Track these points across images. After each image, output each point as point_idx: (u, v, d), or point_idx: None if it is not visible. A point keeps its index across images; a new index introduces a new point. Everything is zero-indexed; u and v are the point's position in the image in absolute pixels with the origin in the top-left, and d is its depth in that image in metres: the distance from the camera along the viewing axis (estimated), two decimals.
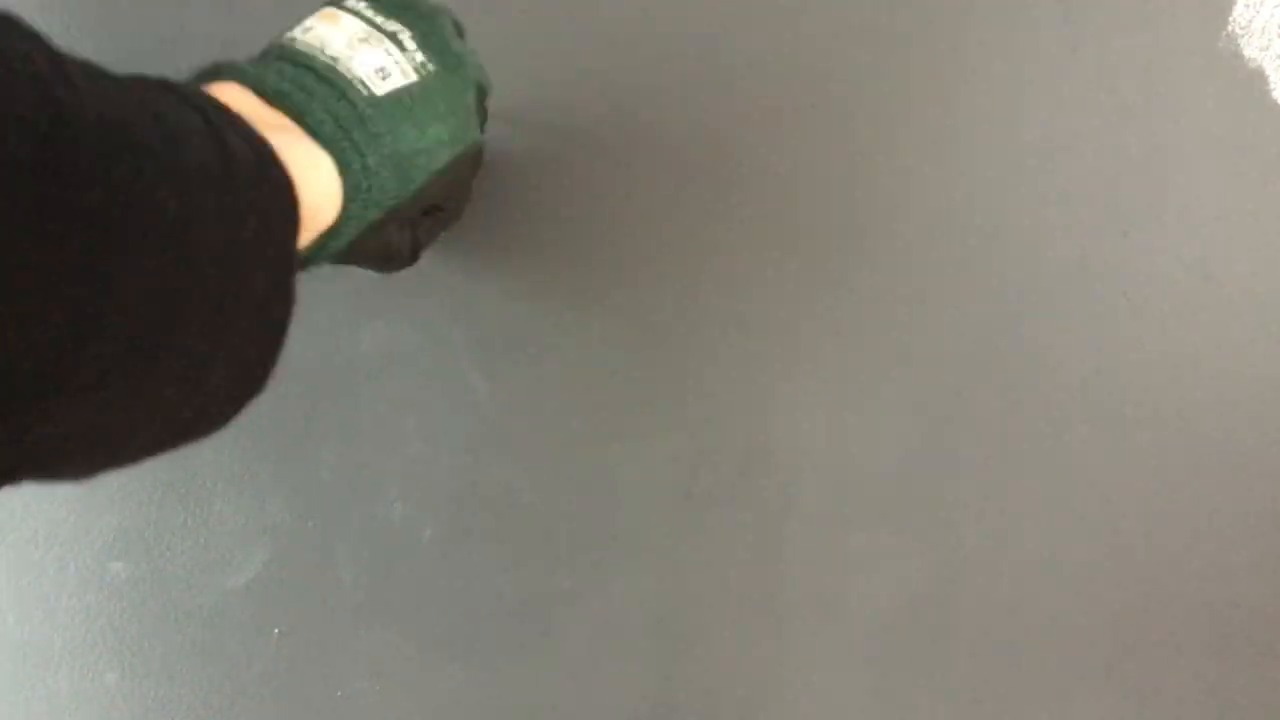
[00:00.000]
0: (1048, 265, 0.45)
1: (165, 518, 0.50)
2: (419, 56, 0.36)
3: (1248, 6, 0.44)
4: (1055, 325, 0.45)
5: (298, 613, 0.49)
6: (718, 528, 0.46)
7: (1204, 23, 0.44)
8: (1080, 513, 0.45)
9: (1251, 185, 0.44)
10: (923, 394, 0.45)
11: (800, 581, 0.46)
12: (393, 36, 0.36)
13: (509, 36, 0.47)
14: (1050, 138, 0.45)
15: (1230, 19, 0.44)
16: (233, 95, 0.31)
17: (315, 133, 0.31)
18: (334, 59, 0.34)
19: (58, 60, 0.21)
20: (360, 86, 0.33)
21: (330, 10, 0.36)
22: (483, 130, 0.41)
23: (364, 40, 0.35)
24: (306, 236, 0.31)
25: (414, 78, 0.36)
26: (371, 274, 0.44)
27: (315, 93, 0.32)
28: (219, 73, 0.32)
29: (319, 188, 0.31)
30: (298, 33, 0.35)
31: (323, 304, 0.48)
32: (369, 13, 0.36)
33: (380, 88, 0.34)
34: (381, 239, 0.39)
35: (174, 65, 0.30)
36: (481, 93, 0.40)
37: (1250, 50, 0.44)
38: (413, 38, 0.36)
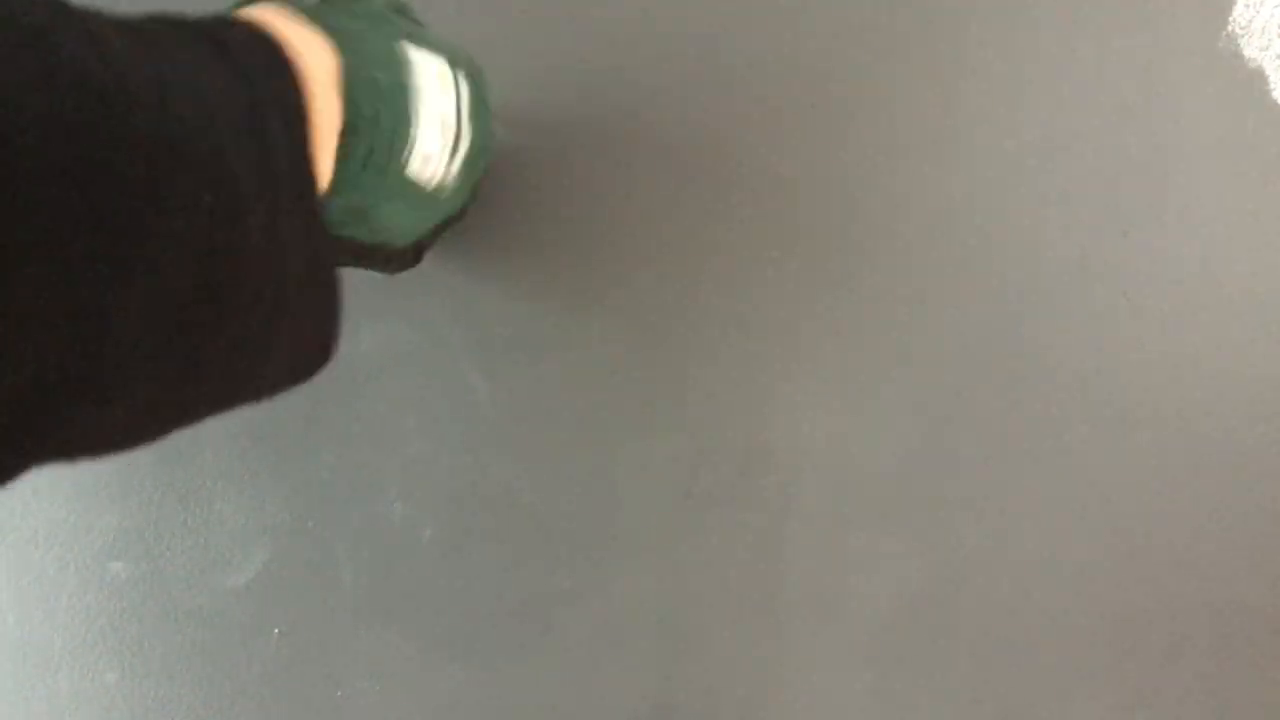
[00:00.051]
0: (1048, 265, 0.45)
1: (165, 518, 0.50)
2: (453, 174, 0.36)
3: (1248, 6, 0.44)
4: (1055, 325, 0.45)
5: (298, 613, 0.49)
6: (718, 528, 0.46)
7: (1204, 23, 0.44)
8: (1080, 513, 0.45)
9: (1251, 185, 0.44)
10: (923, 394, 0.45)
11: (800, 581, 0.46)
12: (458, 142, 0.35)
13: (509, 36, 0.47)
14: (1050, 138, 0.45)
15: (1230, 19, 0.44)
16: (315, 57, 0.29)
17: (345, 153, 0.30)
18: (417, 117, 0.33)
19: (92, 35, 0.20)
20: (408, 156, 0.33)
21: (446, 71, 0.34)
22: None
23: (443, 124, 0.34)
24: None
25: (431, 187, 0.35)
26: (372, 275, 0.44)
27: (381, 125, 0.31)
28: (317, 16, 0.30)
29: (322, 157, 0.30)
30: (419, 54, 0.33)
31: None
32: (465, 104, 0.35)
33: (413, 170, 0.33)
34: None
35: None
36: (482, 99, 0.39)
37: (1250, 50, 0.44)
38: (465, 155, 0.36)
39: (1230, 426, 0.44)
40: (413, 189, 0.34)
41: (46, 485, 0.51)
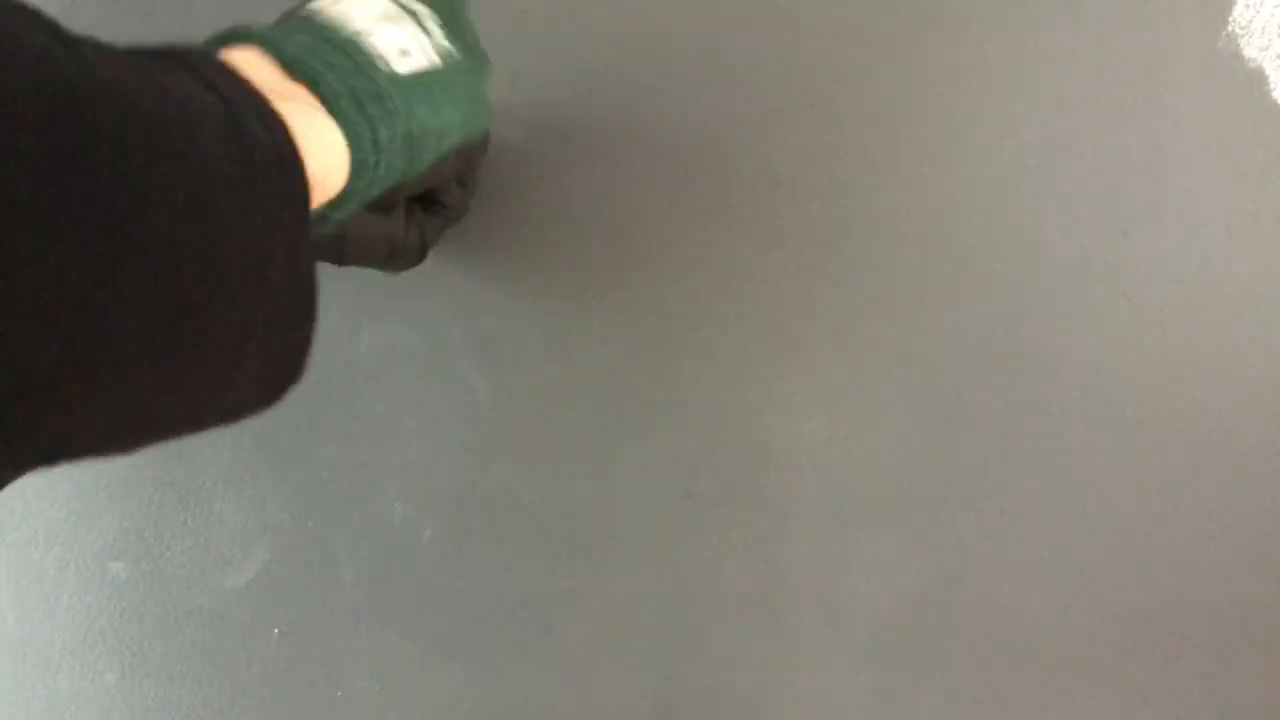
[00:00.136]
0: (1048, 265, 0.45)
1: (165, 518, 0.50)
2: (442, 41, 0.36)
3: (1248, 6, 0.44)
4: (1055, 325, 0.45)
5: (298, 613, 0.49)
6: (718, 528, 0.46)
7: (1204, 23, 0.44)
8: (1080, 513, 0.45)
9: (1251, 185, 0.44)
10: (923, 394, 0.45)
11: (800, 581, 0.46)
12: (416, 17, 0.35)
13: (509, 36, 0.47)
14: (1050, 138, 0.45)
15: (1230, 19, 0.44)
16: (250, 61, 0.30)
17: (330, 105, 0.31)
18: (356, 33, 0.33)
19: (73, 46, 0.20)
20: (380, 63, 0.33)
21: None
22: None
23: (388, 18, 0.35)
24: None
25: (436, 61, 0.35)
26: (372, 274, 0.44)
27: (334, 64, 0.32)
28: (236, 37, 0.31)
29: (327, 160, 0.30)
30: (322, 3, 0.34)
31: (323, 304, 0.48)
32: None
33: (401, 66, 0.34)
34: (388, 235, 0.39)
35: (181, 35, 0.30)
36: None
37: (1250, 50, 0.44)
38: (437, 21, 0.36)
39: (1230, 426, 0.44)
40: (420, 82, 0.34)
41: (46, 485, 0.51)
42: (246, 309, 0.25)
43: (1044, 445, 0.45)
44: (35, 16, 0.20)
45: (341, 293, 0.48)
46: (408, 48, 0.35)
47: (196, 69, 0.26)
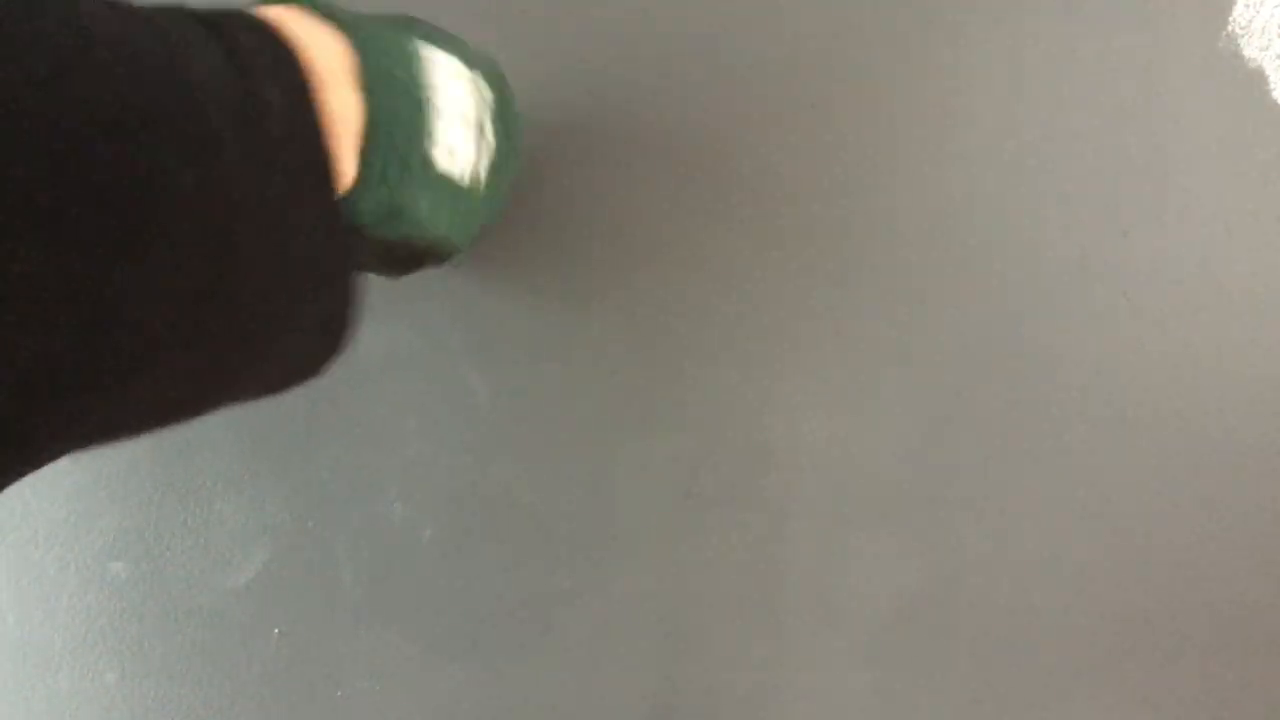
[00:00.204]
0: (1048, 265, 0.45)
1: (165, 518, 0.50)
2: (483, 172, 0.35)
3: (1248, 6, 0.44)
4: (1055, 325, 0.45)
5: (298, 613, 0.49)
6: (718, 528, 0.46)
7: (1204, 23, 0.44)
8: (1080, 513, 0.45)
9: (1251, 185, 0.44)
10: (923, 394, 0.45)
11: (800, 581, 0.46)
12: (483, 138, 0.35)
13: (509, 36, 0.47)
14: (1050, 138, 0.45)
15: (1230, 19, 0.44)
16: (324, 45, 0.28)
17: (366, 145, 0.30)
18: (435, 107, 0.32)
19: (75, 25, 0.20)
20: (428, 144, 0.32)
21: (465, 73, 0.34)
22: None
23: (464, 120, 0.34)
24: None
25: (467, 182, 0.35)
26: (372, 275, 0.44)
27: (400, 115, 0.31)
28: (336, 17, 0.30)
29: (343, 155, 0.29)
30: (428, 52, 0.33)
31: None
32: (487, 108, 0.35)
33: (441, 160, 0.33)
34: (385, 241, 0.39)
35: None
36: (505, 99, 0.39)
37: (1250, 50, 0.44)
38: (491, 158, 0.35)
39: (1230, 426, 0.44)
40: (444, 183, 0.34)
41: (46, 485, 0.51)
42: (268, 286, 0.24)
43: (1044, 445, 0.45)
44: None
45: None
46: (457, 152, 0.34)
47: (225, 31, 0.25)
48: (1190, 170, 0.44)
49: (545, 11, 0.48)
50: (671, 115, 0.47)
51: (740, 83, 0.46)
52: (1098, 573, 0.45)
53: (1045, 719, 0.45)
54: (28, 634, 0.51)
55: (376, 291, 0.48)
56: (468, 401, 0.48)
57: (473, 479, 0.48)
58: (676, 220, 0.47)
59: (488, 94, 0.36)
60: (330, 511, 0.49)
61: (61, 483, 0.51)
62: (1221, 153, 0.44)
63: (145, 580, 0.50)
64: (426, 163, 0.33)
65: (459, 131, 0.34)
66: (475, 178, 0.36)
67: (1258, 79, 0.44)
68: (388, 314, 0.48)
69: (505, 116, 0.37)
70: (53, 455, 0.21)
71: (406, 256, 0.38)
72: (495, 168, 0.37)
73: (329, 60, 0.28)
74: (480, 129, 0.35)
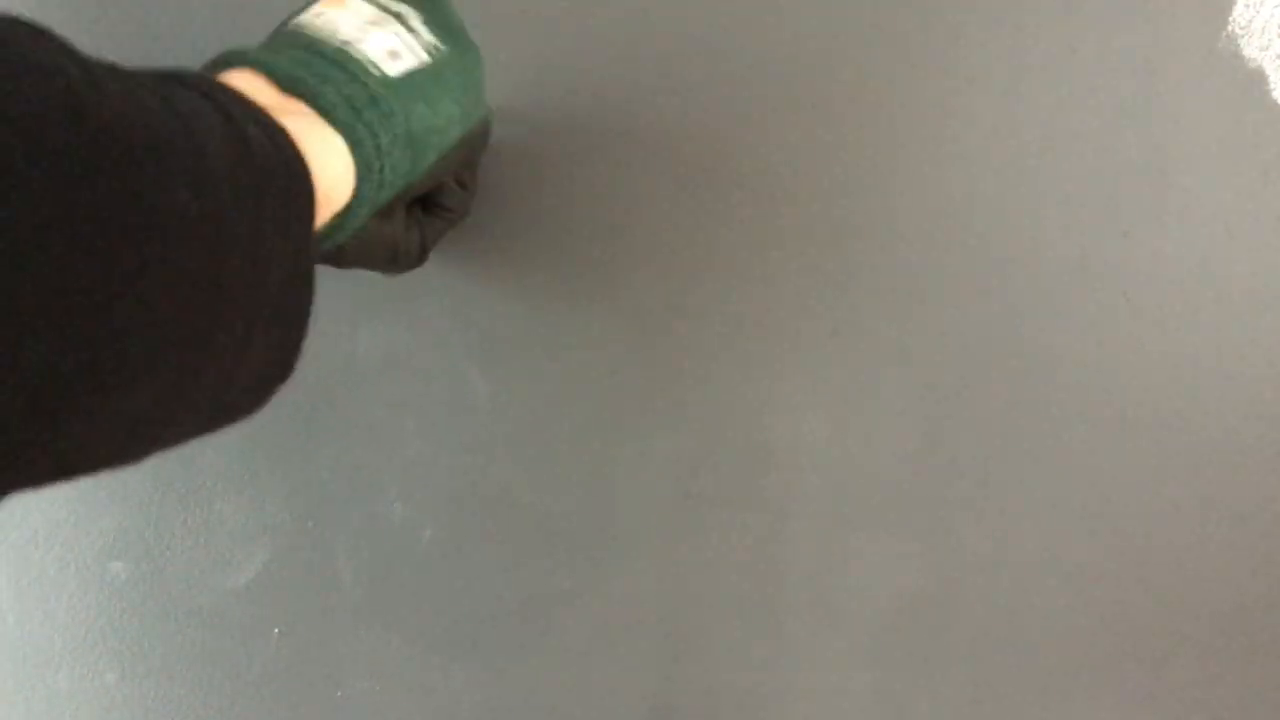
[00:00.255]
0: (1048, 265, 0.45)
1: (165, 518, 0.50)
2: (428, 37, 0.36)
3: (1248, 6, 0.44)
4: (1055, 325, 0.45)
5: (298, 613, 0.49)
6: (718, 528, 0.46)
7: (1204, 23, 0.44)
8: (1080, 513, 0.45)
9: (1251, 185, 0.44)
10: (923, 394, 0.45)
11: (800, 581, 0.46)
12: (401, 18, 0.36)
13: (509, 36, 0.47)
14: (1050, 138, 0.45)
15: (1230, 19, 0.44)
16: (247, 82, 0.31)
17: (329, 116, 0.31)
18: (345, 42, 0.34)
19: (87, 67, 0.21)
20: (372, 68, 0.34)
21: None
22: None
23: (373, 23, 0.35)
24: (320, 219, 0.31)
25: (425, 58, 0.36)
26: (372, 275, 0.44)
27: (328, 76, 0.32)
28: (231, 61, 0.32)
29: (332, 170, 0.31)
30: (307, 17, 0.35)
31: (322, 305, 0.48)
32: None
33: (392, 68, 0.34)
34: (389, 238, 0.39)
35: (174, 58, 0.30)
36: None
37: (1250, 50, 0.44)
38: (421, 19, 0.36)
39: (1230, 426, 0.44)
40: (413, 80, 0.35)
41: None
42: (247, 313, 0.25)
43: (1044, 445, 0.45)
44: (49, 36, 0.21)
45: (341, 294, 0.48)
46: (396, 49, 0.35)
47: (200, 88, 0.26)
48: (1190, 170, 0.44)
49: (545, 11, 0.48)
50: (671, 115, 0.47)
51: (740, 83, 0.46)
52: (1098, 573, 0.45)
53: (1045, 719, 0.45)
54: (28, 634, 0.51)
55: (377, 291, 0.48)
56: (467, 401, 0.48)
57: (473, 479, 0.48)
58: (676, 220, 0.47)
59: None
60: (330, 511, 0.49)
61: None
62: (1221, 153, 0.44)
63: (145, 580, 0.50)
64: (383, 81, 0.34)
65: (376, 35, 0.35)
66: (430, 47, 0.36)
67: (1258, 79, 0.44)
68: (388, 314, 0.48)
69: (437, 19, 0.38)
70: (47, 476, 0.21)
71: (461, 160, 0.40)
72: (432, 22, 0.38)
73: (258, 91, 0.31)
74: (387, 11, 0.36)
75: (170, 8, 0.50)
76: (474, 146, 0.41)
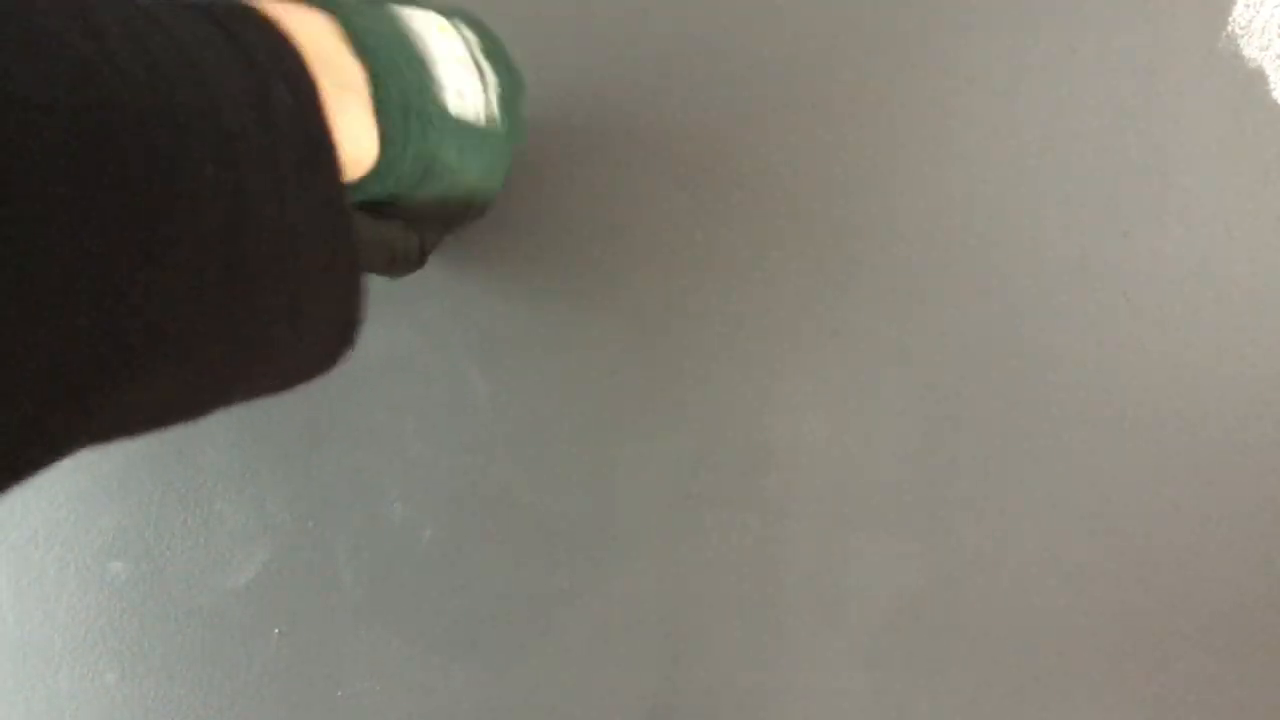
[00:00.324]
0: (1048, 265, 0.45)
1: (165, 518, 0.50)
2: (495, 109, 0.36)
3: (1248, 6, 0.44)
4: (1055, 325, 0.45)
5: (298, 613, 0.49)
6: (718, 528, 0.46)
7: (1204, 23, 0.44)
8: (1080, 513, 0.45)
9: (1251, 185, 0.44)
10: (923, 394, 0.45)
11: (800, 581, 0.46)
12: (483, 78, 0.36)
13: (509, 36, 0.47)
14: (1050, 138, 0.45)
15: (1230, 19, 0.44)
16: (315, 23, 0.29)
17: (380, 106, 0.30)
18: (431, 58, 0.33)
19: (97, 32, 0.20)
20: (439, 91, 0.33)
21: (443, 21, 0.36)
22: None
23: (461, 62, 0.35)
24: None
25: (482, 122, 0.36)
26: (373, 277, 0.44)
27: (401, 70, 0.31)
28: None
29: (352, 151, 0.30)
30: (409, 11, 0.34)
31: None
32: (475, 46, 0.36)
33: (453, 105, 0.34)
34: (386, 240, 0.39)
35: None
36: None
37: (1250, 50, 0.44)
38: (498, 92, 0.36)
39: (1230, 426, 0.44)
40: (463, 126, 0.35)
41: (46, 485, 0.51)
42: (277, 281, 0.25)
43: (1044, 445, 0.45)
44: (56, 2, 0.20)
45: None
46: (464, 94, 0.35)
47: (231, 27, 0.25)
48: (1190, 170, 0.44)
49: (545, 11, 0.48)
50: (671, 115, 0.47)
51: (740, 83, 0.46)
52: (1098, 573, 0.45)
53: (1045, 719, 0.45)
54: (28, 634, 0.51)
55: (377, 292, 0.48)
56: (468, 402, 0.48)
57: (473, 479, 0.48)
58: (676, 220, 0.47)
59: (470, 34, 0.37)
60: (330, 512, 0.49)
61: (61, 483, 0.51)
62: (1221, 153, 0.44)
63: (145, 580, 0.50)
64: (441, 110, 0.33)
65: (459, 73, 0.35)
66: (490, 116, 0.36)
67: (1258, 79, 0.44)
68: (388, 314, 0.48)
69: (496, 52, 0.38)
70: (71, 449, 0.21)
71: (447, 215, 0.39)
72: (505, 101, 0.38)
73: (322, 37, 0.29)
74: (478, 67, 0.36)
75: None
76: (469, 212, 0.40)
